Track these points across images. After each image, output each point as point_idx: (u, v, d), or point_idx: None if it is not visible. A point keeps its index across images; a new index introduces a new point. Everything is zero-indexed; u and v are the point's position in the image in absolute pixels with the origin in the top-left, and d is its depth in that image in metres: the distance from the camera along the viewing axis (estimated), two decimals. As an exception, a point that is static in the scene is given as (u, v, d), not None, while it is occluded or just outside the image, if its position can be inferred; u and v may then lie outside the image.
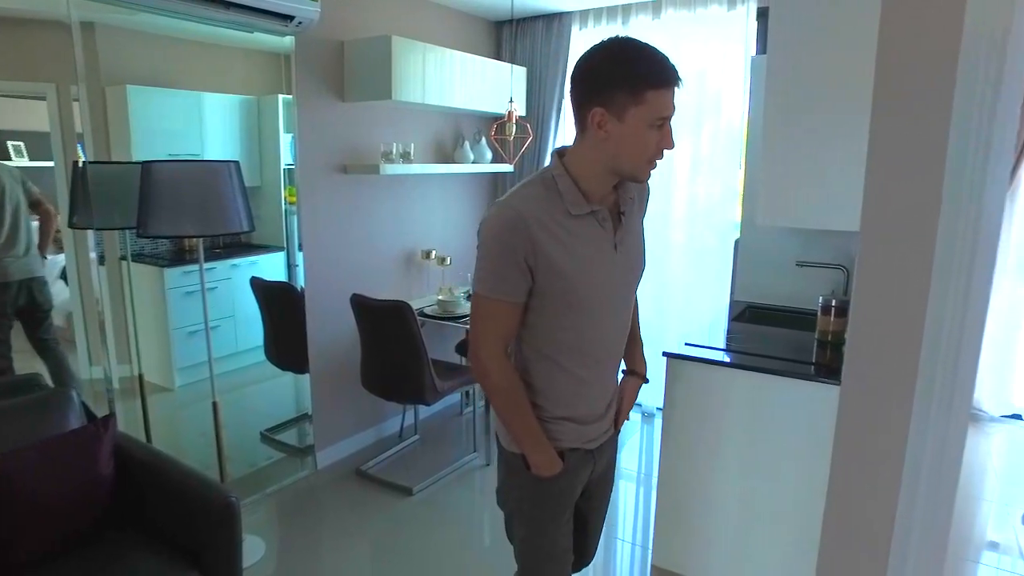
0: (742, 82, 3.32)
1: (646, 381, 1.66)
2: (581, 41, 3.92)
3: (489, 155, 3.97)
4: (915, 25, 1.68)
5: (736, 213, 3.61)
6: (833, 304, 2.30)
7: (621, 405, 1.59)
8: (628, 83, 1.21)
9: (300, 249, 3.11)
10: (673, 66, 1.23)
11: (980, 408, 3.89)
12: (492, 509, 2.20)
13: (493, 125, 3.86)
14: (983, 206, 1.60)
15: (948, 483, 1.79)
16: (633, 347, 1.63)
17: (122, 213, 2.43)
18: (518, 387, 1.39)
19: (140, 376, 2.72)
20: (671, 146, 1.29)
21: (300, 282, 3.13)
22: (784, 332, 2.53)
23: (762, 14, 2.85)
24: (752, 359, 2.14)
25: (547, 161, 4.27)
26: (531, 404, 1.41)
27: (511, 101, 3.48)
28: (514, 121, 3.44)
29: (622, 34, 1.29)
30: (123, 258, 2.64)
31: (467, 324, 3.27)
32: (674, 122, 1.29)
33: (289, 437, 3.37)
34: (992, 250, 1.64)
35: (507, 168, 3.92)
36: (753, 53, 3.07)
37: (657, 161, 1.30)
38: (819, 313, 2.36)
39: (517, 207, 1.29)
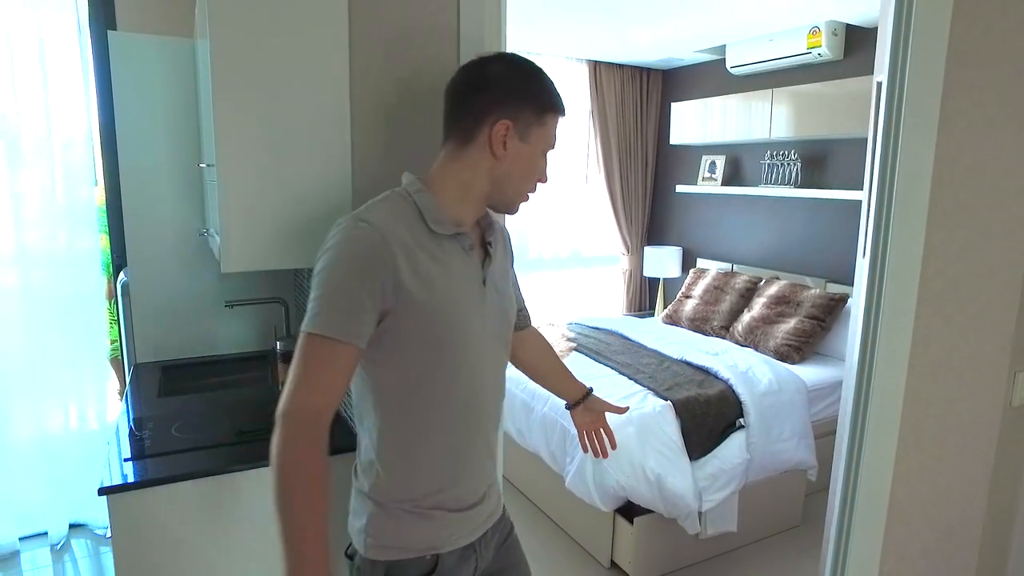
0: (79, 67, 2.43)
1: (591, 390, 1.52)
2: None
3: None
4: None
5: (92, 242, 2.73)
6: (290, 348, 1.95)
7: (602, 426, 1.50)
8: (536, 100, 1.10)
9: None
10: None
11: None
12: None
13: None
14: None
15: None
16: (564, 371, 1.52)
17: None
18: (325, 477, 1.01)
19: None
20: (547, 180, 1.17)
21: None
22: (231, 396, 2.01)
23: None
24: (204, 456, 1.50)
25: None
26: (389, 492, 1.11)
27: None
28: None
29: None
30: None
31: None
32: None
33: None
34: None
35: None
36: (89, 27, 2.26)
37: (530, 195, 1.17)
38: (279, 361, 1.97)
39: (378, 225, 1.02)
